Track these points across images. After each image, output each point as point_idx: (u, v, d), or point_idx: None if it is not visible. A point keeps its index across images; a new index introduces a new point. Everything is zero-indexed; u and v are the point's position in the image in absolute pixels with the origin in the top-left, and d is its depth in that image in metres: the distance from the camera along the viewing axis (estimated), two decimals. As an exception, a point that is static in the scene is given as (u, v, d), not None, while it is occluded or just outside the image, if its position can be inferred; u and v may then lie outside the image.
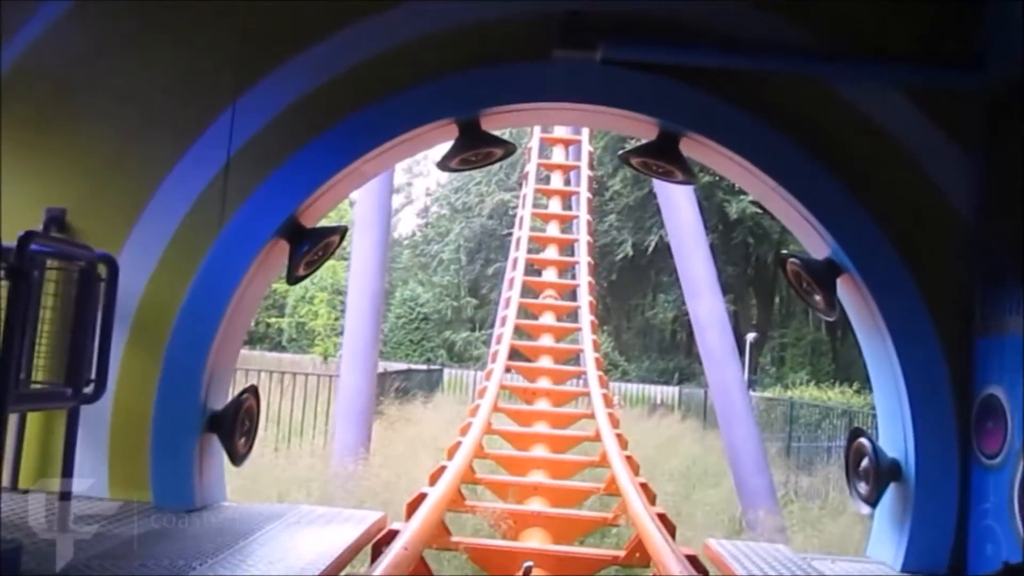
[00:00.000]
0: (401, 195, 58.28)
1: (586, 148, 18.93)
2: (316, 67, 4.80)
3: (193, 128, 4.78)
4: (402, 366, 28.37)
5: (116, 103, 4.87)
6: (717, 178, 34.64)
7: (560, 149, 19.74)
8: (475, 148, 5.02)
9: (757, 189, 5.19)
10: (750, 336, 34.35)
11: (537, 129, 19.44)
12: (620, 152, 5.53)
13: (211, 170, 4.74)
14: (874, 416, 5.68)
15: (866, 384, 11.67)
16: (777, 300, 45.32)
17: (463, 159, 5.07)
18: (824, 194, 4.74)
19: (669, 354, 46.82)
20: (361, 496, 9.61)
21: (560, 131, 19.46)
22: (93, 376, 4.19)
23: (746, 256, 41.89)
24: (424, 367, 30.75)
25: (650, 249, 39.50)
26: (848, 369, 33.54)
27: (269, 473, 9.84)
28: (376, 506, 7.77)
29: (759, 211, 32.33)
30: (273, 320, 44.11)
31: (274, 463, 10.30)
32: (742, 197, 35.11)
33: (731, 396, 12.74)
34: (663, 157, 5.01)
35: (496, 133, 5.14)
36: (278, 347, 43.47)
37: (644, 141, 5.09)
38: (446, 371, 30.61)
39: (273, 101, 4.77)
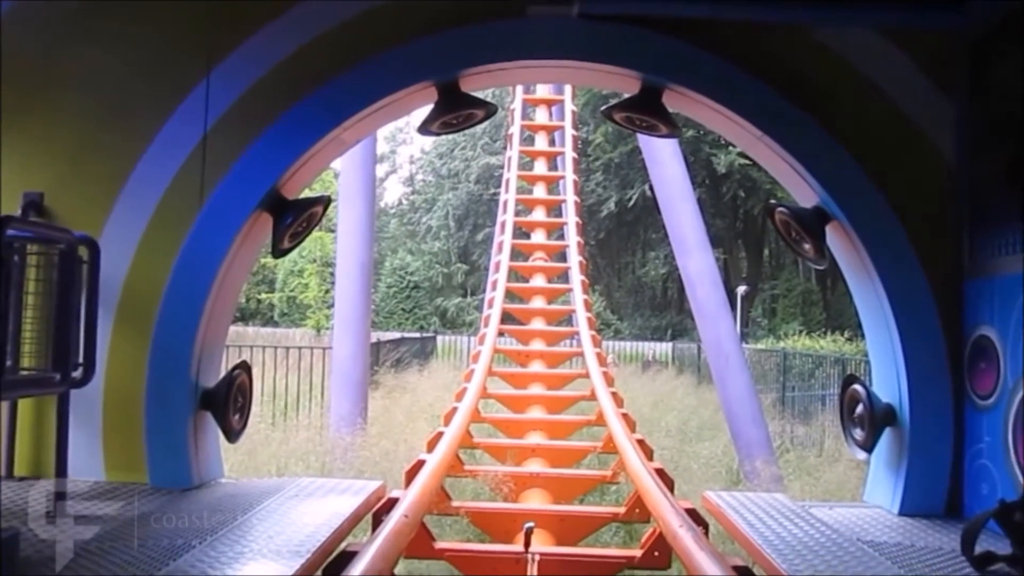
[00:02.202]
0: (385, 164, 58.01)
1: (569, 107, 18.82)
2: (290, 34, 4.69)
3: (168, 104, 4.67)
4: (395, 335, 28.44)
5: (88, 82, 4.75)
6: (702, 132, 34.58)
7: (543, 109, 19.60)
8: (455, 111, 4.94)
9: (742, 140, 5.14)
10: (741, 289, 34.59)
11: (519, 90, 19.30)
12: (603, 108, 5.46)
13: (188, 146, 4.65)
14: (867, 363, 5.69)
15: (858, 331, 11.72)
16: (767, 252, 45.52)
17: (444, 122, 4.99)
18: (810, 142, 4.69)
19: (661, 311, 47.10)
20: (360, 466, 9.64)
21: (542, 91, 19.32)
22: (81, 360, 4.16)
23: (734, 209, 42.00)
24: (417, 335, 30.90)
25: (631, 202, 39.47)
26: (839, 318, 33.88)
27: (267, 448, 9.87)
28: (375, 475, 7.80)
29: (748, 163, 32.27)
30: (264, 295, 44.12)
31: (271, 438, 10.31)
32: (730, 149, 35.07)
33: (724, 349, 12.79)
34: (646, 111, 4.93)
35: (477, 95, 5.06)
36: (270, 322, 43.55)
37: (626, 96, 5.02)
38: (439, 338, 30.78)
39: (247, 72, 4.67)
